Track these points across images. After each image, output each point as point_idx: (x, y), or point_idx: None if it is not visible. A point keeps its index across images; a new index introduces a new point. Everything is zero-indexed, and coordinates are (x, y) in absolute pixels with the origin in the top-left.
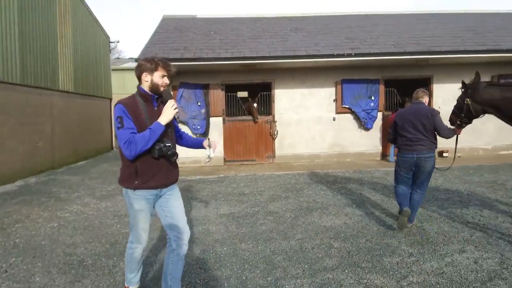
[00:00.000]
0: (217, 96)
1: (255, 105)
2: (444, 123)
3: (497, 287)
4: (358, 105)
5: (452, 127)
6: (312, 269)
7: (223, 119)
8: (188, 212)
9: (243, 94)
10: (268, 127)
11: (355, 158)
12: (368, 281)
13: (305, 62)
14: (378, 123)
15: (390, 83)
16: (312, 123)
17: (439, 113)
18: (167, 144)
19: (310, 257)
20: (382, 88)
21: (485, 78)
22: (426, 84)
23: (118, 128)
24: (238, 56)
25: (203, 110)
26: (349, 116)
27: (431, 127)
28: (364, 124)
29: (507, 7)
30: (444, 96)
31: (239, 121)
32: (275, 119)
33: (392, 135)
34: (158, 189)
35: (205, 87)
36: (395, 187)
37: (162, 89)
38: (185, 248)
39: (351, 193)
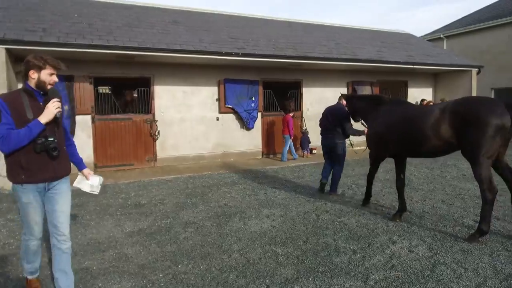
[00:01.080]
0: (84, 90)
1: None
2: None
3: (443, 273)
4: (240, 105)
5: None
6: (275, 283)
7: (92, 118)
8: (84, 233)
9: (104, 89)
10: (148, 127)
11: (238, 158)
12: (338, 286)
13: (190, 58)
14: (258, 123)
15: (267, 85)
16: (195, 123)
17: (349, 114)
18: (49, 139)
19: (263, 269)
20: (261, 89)
21: (342, 84)
22: (297, 87)
23: None
24: (116, 45)
25: (66, 107)
26: (232, 116)
27: (339, 122)
28: (246, 124)
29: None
30: (312, 98)
31: (112, 120)
32: (156, 118)
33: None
34: (46, 183)
35: (68, 79)
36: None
37: (49, 87)
38: (66, 244)
39: (257, 193)
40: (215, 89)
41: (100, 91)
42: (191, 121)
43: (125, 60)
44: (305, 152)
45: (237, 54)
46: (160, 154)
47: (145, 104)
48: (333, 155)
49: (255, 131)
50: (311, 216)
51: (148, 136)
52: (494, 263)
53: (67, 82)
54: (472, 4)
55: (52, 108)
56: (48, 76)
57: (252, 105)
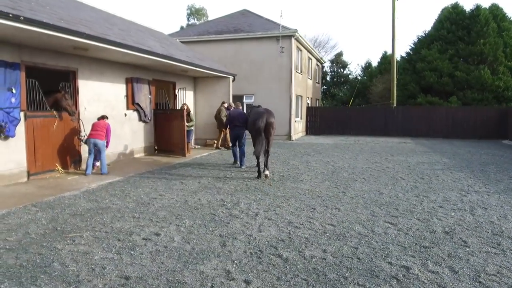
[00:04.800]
0: None
1: None
2: None
3: None
4: None
5: None
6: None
7: None
8: None
9: None
10: None
11: None
12: None
13: None
14: (20, 128)
15: (31, 72)
16: None
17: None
18: None
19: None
20: (23, 77)
21: (121, 79)
22: (71, 78)
23: None
24: None
25: None
26: None
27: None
28: (4, 131)
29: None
30: (90, 95)
31: None
32: None
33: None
34: None
35: None
36: (232, 147)
37: None
38: None
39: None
40: None
41: None
42: None
43: None
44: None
45: (16, 18)
46: None
47: None
48: (240, 139)
49: (16, 140)
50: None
51: None
52: None
53: None
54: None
55: None
56: None
57: (13, 100)
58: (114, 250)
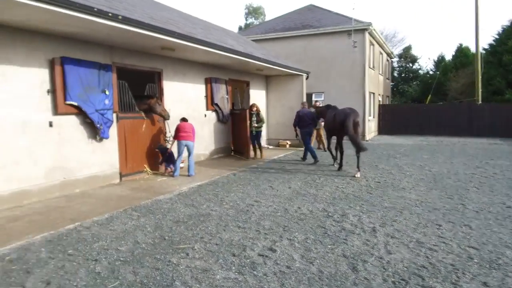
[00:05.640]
0: None
1: None
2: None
3: None
4: (90, 101)
5: None
6: None
7: None
8: None
9: None
10: None
11: (86, 186)
12: None
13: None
14: (113, 130)
15: (121, 73)
16: (11, 133)
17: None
18: None
19: None
20: (115, 78)
21: (200, 80)
22: (156, 79)
23: None
24: None
25: None
26: (74, 120)
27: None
28: (100, 132)
29: None
30: (173, 96)
31: None
32: None
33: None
34: None
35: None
36: (309, 146)
37: None
38: None
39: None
40: (45, 72)
41: None
42: (3, 129)
43: None
44: (168, 166)
45: (115, 16)
46: None
47: None
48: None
49: (110, 142)
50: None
51: None
52: None
53: None
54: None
55: None
56: None
57: (106, 102)
58: (233, 268)
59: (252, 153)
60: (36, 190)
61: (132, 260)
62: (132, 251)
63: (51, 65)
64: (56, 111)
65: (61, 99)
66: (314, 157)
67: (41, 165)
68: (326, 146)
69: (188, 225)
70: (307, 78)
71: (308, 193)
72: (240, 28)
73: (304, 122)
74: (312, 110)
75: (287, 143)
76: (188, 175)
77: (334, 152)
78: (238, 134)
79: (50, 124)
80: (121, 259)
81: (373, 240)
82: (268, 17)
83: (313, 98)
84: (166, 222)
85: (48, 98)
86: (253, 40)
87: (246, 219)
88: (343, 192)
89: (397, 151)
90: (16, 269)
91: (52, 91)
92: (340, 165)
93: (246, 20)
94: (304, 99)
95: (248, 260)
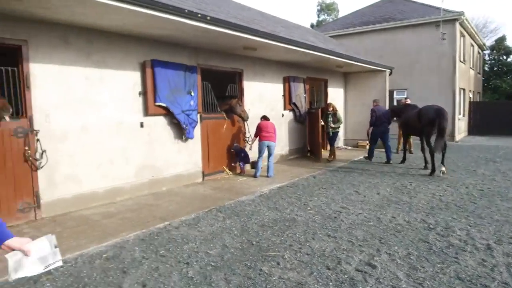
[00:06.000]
0: None
1: None
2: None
3: None
4: (177, 103)
5: None
6: None
7: None
8: None
9: None
10: (21, 145)
11: (172, 185)
12: None
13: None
14: (197, 130)
15: (205, 74)
16: (107, 133)
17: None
18: None
19: None
20: (199, 80)
21: (279, 79)
22: (237, 79)
23: None
24: None
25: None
26: (162, 120)
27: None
28: (185, 133)
29: None
30: (253, 96)
31: None
32: (35, 126)
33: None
34: None
35: None
36: (373, 146)
37: None
38: None
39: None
40: (137, 75)
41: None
42: (100, 130)
43: None
44: (242, 166)
45: (204, 17)
46: (47, 194)
47: (12, 100)
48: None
49: (194, 142)
50: None
51: (20, 163)
52: None
53: None
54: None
55: None
56: None
57: (192, 103)
58: (331, 284)
59: (327, 154)
60: (127, 188)
61: (222, 265)
62: (221, 255)
63: (142, 67)
64: (146, 112)
65: (151, 101)
66: (370, 155)
67: (132, 164)
68: (401, 147)
69: (274, 230)
70: (390, 74)
71: (401, 201)
72: (312, 25)
73: (379, 121)
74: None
75: (367, 144)
76: (268, 176)
77: (421, 154)
78: (312, 134)
79: (141, 125)
80: (212, 263)
81: (490, 260)
82: (341, 13)
83: (395, 96)
84: (251, 225)
85: (139, 100)
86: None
87: (335, 227)
88: (441, 200)
89: (496, 154)
90: (113, 268)
91: (143, 93)
92: (433, 169)
93: (318, 17)
94: (387, 97)
95: (345, 276)
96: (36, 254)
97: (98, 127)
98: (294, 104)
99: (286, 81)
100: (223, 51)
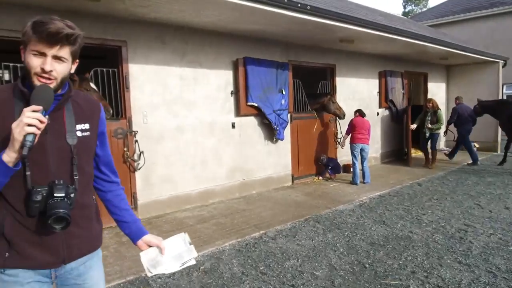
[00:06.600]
0: None
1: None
2: None
3: None
4: (268, 102)
5: None
6: None
7: None
8: None
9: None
10: (121, 146)
11: (262, 188)
12: None
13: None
14: (287, 130)
15: (296, 71)
16: (200, 134)
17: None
18: (56, 196)
19: None
20: (291, 77)
21: (373, 74)
22: (329, 75)
23: None
24: None
25: None
26: (252, 121)
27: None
28: (276, 133)
29: None
30: (345, 93)
31: None
32: (134, 127)
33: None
34: (51, 269)
35: None
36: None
37: (37, 81)
38: None
39: None
40: (229, 74)
41: None
42: (194, 130)
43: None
44: (331, 173)
45: (303, 7)
46: (143, 195)
47: (112, 100)
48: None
49: (283, 143)
50: None
51: (120, 164)
52: None
53: None
54: None
55: (18, 129)
56: (32, 58)
57: (283, 102)
58: None
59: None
60: (219, 190)
61: None
62: (330, 279)
63: (235, 66)
64: (238, 112)
65: (243, 100)
66: (474, 160)
67: (224, 166)
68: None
69: (388, 251)
70: (504, 66)
71: None
72: None
73: (462, 120)
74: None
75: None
76: (364, 183)
77: None
78: (407, 135)
79: (233, 126)
80: None
81: None
82: (431, 3)
83: (504, 91)
84: (358, 242)
85: (231, 100)
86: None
87: (465, 251)
88: None
89: None
90: (212, 284)
91: (235, 92)
92: None
93: (405, 8)
94: (499, 92)
95: None
96: (171, 252)
97: (191, 127)
98: (391, 101)
99: (382, 76)
100: (315, 45)
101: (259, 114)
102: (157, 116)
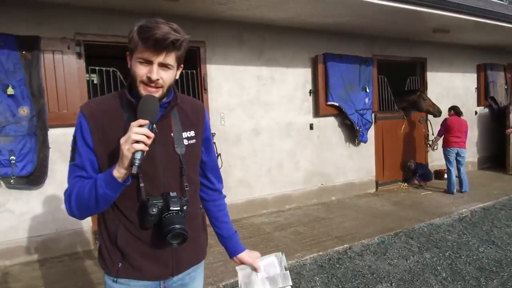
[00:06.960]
0: None
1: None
2: None
3: None
4: (350, 101)
5: None
6: None
7: None
8: None
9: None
10: None
11: (342, 194)
12: None
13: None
14: (370, 132)
15: (381, 66)
16: (276, 136)
17: None
18: (172, 209)
19: None
20: (375, 73)
21: (471, 67)
22: (418, 70)
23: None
24: None
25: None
26: (332, 121)
27: None
28: (358, 135)
29: None
30: (438, 90)
31: None
32: (212, 129)
33: None
34: (160, 280)
35: None
36: None
37: (143, 90)
38: None
39: None
40: (307, 72)
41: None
42: (270, 132)
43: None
44: (420, 180)
45: None
46: None
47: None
48: None
49: (366, 146)
50: None
51: None
52: None
53: None
54: None
55: (127, 145)
56: (138, 66)
57: (366, 100)
58: None
59: None
60: (295, 195)
61: None
62: None
63: (314, 63)
64: (317, 112)
65: (322, 100)
66: None
67: (301, 170)
68: None
69: (503, 280)
70: None
71: None
72: None
73: None
74: None
75: None
76: (461, 191)
77: None
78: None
79: (311, 127)
80: None
81: None
82: None
83: None
84: (464, 266)
85: (309, 100)
86: None
87: None
88: None
89: None
90: None
91: (314, 91)
92: None
93: None
94: None
95: None
96: (265, 273)
97: (268, 129)
98: (492, 98)
99: (481, 69)
100: (402, 38)
101: (340, 114)
102: (234, 118)
